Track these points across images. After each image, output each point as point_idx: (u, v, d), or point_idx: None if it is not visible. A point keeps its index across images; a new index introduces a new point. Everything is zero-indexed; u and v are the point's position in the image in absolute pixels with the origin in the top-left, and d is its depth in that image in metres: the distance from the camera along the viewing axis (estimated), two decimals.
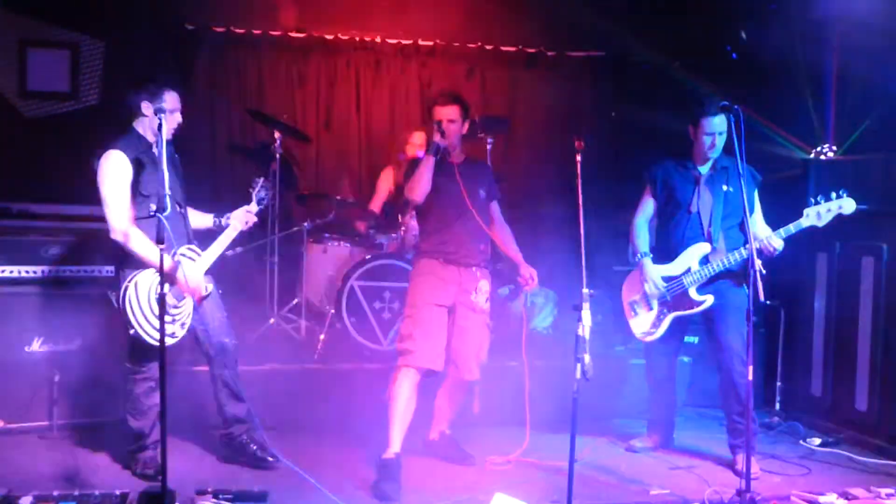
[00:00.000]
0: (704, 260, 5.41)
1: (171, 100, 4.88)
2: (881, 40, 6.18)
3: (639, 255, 5.62)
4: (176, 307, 4.86)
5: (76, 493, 4.43)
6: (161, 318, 4.15)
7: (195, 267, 4.93)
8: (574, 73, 8.66)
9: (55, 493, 4.39)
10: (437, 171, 5.23)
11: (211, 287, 5.01)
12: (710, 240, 5.41)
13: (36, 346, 5.63)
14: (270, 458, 5.06)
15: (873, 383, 5.92)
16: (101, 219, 6.35)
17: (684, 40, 7.78)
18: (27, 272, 5.66)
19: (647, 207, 5.72)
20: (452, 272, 5.29)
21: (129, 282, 4.78)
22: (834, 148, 6.61)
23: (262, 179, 5.37)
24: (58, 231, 6.05)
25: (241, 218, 5.19)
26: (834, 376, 6.29)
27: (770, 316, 6.79)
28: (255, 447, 5.12)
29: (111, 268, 5.80)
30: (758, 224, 5.42)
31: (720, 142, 5.41)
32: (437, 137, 5.17)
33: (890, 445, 5.72)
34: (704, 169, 5.50)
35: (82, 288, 5.77)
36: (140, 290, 4.78)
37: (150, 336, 4.75)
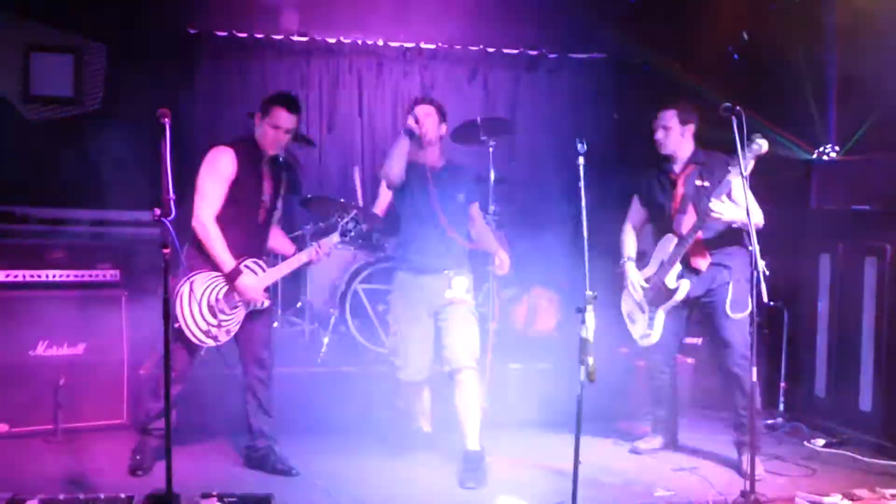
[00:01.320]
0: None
1: (276, 116, 5.04)
2: (884, 40, 6.18)
3: (622, 260, 5.75)
4: (226, 314, 4.99)
5: (81, 496, 4.44)
6: (165, 316, 4.17)
7: (257, 280, 5.03)
8: (576, 75, 8.66)
9: (60, 496, 4.40)
10: (413, 177, 5.28)
11: (267, 303, 5.13)
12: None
13: (40, 349, 5.65)
14: (294, 472, 5.09)
15: (877, 384, 5.91)
16: (104, 223, 6.45)
17: (686, 42, 7.78)
18: (31, 276, 5.68)
19: (634, 215, 5.84)
20: (424, 281, 5.33)
21: (188, 279, 4.92)
22: (836, 148, 6.61)
23: (354, 212, 5.38)
24: (61, 235, 6.08)
25: (316, 248, 5.21)
26: (837, 377, 6.27)
27: (773, 317, 6.79)
28: (277, 460, 5.15)
29: (115, 271, 5.84)
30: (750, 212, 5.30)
31: (663, 135, 5.55)
32: (410, 122, 5.21)
33: (894, 446, 5.71)
34: (678, 168, 5.55)
35: (86, 291, 5.79)
36: (195, 289, 4.94)
37: (194, 334, 4.92)
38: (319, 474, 5.05)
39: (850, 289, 6.16)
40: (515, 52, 8.48)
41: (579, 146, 4.32)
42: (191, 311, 4.91)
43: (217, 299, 4.97)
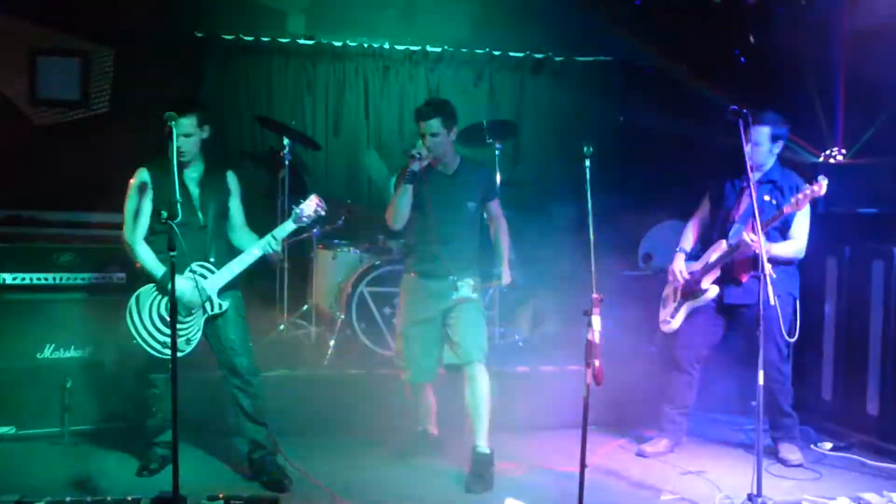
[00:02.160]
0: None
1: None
2: (891, 42, 6.18)
3: (677, 248, 5.89)
4: (180, 322, 4.91)
5: (88, 499, 4.44)
6: (172, 323, 4.17)
7: (206, 284, 4.97)
8: (582, 77, 8.66)
9: (67, 499, 4.40)
10: (425, 181, 5.22)
11: (225, 304, 5.03)
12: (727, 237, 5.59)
13: (48, 352, 5.65)
14: (286, 481, 4.98)
15: (885, 387, 5.90)
16: (111, 225, 6.47)
17: (692, 44, 7.78)
18: (38, 279, 5.68)
19: (700, 211, 5.95)
20: (429, 286, 5.31)
21: (133, 295, 4.96)
22: (843, 151, 6.60)
23: (313, 196, 5.14)
24: (68, 238, 6.09)
25: (269, 239, 5.06)
26: (845, 380, 6.26)
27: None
28: (272, 471, 5.05)
29: (122, 274, 5.85)
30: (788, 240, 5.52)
31: (751, 150, 5.46)
32: (413, 164, 5.10)
33: None
34: (753, 179, 5.60)
35: (93, 294, 5.79)
36: (141, 304, 4.96)
37: (151, 347, 4.92)
38: (325, 477, 5.04)
39: (857, 292, 6.15)
40: (521, 55, 8.48)
41: (585, 149, 4.31)
42: (143, 324, 4.92)
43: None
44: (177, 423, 4.21)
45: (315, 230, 7.01)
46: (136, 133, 7.16)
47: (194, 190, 5.07)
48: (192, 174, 5.08)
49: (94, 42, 7.57)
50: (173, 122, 4.24)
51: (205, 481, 4.93)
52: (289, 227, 5.11)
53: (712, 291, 5.60)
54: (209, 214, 5.07)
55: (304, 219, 5.10)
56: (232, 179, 5.24)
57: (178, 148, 4.87)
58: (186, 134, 4.93)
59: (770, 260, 5.27)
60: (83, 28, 7.51)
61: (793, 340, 5.51)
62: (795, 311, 5.59)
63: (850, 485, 5.23)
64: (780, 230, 5.48)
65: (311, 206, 5.08)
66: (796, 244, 5.50)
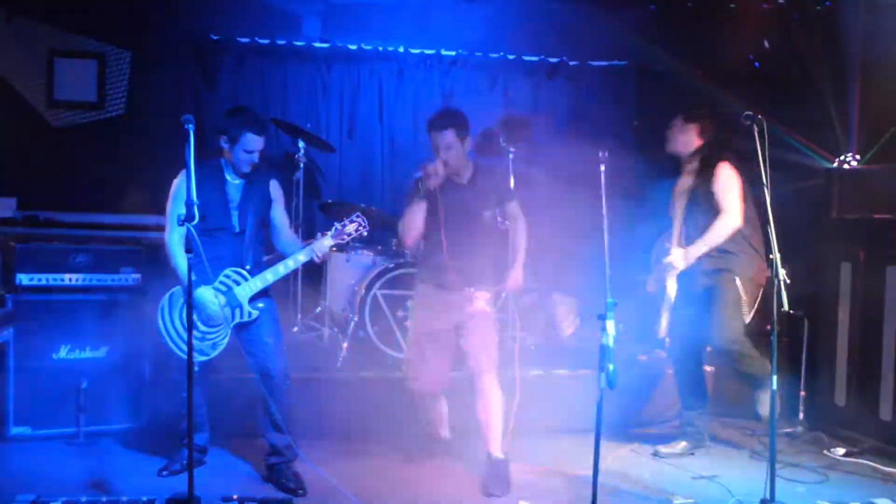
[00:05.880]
0: None
1: (247, 142, 4.99)
2: None
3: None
4: (208, 326, 4.94)
5: (104, 499, 4.49)
6: (189, 325, 4.19)
7: (238, 291, 4.97)
8: (596, 82, 8.67)
9: (83, 498, 4.45)
10: (438, 191, 5.14)
11: (255, 313, 5.02)
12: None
13: (63, 353, 5.68)
14: (300, 491, 4.96)
15: None
16: (127, 227, 6.51)
17: (707, 49, 7.77)
18: (54, 280, 5.71)
19: None
20: (446, 297, 5.25)
21: (167, 293, 4.97)
22: (857, 157, 6.59)
23: (356, 214, 5.19)
24: (84, 239, 6.13)
25: (308, 251, 5.07)
26: (858, 386, 6.24)
27: (793, 325, 6.76)
28: (287, 479, 5.04)
29: (137, 275, 5.88)
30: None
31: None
32: (428, 182, 5.05)
33: None
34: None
35: (109, 295, 5.82)
36: (173, 303, 4.97)
37: (178, 348, 4.92)
38: (338, 478, 5.05)
39: (872, 297, 6.13)
40: (536, 59, 8.48)
41: (600, 154, 4.32)
42: (173, 324, 4.94)
43: None
44: (192, 424, 4.24)
45: (329, 231, 7.03)
46: (153, 135, 7.24)
47: (235, 196, 5.08)
48: (236, 181, 5.11)
49: (111, 44, 7.61)
50: (190, 127, 4.24)
51: (221, 481, 4.96)
52: (327, 243, 5.11)
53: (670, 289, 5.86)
54: (247, 221, 5.08)
55: (345, 236, 5.14)
56: (275, 188, 5.26)
57: (252, 164, 5.02)
58: (250, 150, 5.00)
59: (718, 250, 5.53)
60: (101, 30, 7.56)
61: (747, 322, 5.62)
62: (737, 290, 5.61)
63: (862, 490, 5.23)
64: (711, 214, 5.57)
65: (353, 226, 5.13)
66: (725, 218, 5.52)
